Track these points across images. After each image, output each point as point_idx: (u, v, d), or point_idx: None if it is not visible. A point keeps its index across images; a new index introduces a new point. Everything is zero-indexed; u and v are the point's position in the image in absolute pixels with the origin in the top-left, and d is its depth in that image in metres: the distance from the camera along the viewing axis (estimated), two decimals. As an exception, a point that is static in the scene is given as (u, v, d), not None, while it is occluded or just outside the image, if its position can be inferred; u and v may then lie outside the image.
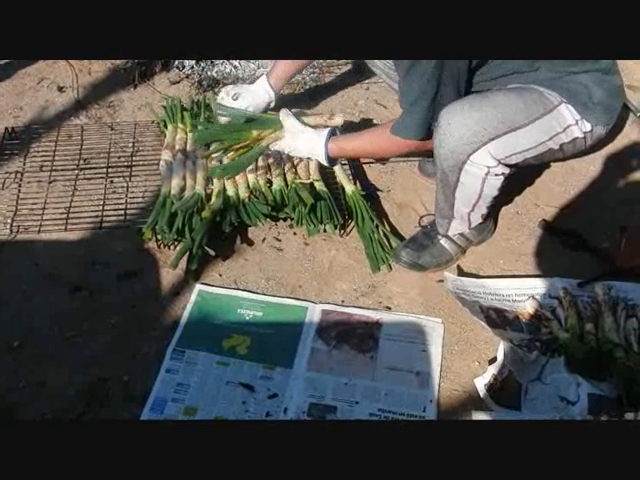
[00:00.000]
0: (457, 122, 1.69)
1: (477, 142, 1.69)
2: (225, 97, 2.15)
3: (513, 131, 1.71)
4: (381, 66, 2.09)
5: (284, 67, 2.15)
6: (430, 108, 1.74)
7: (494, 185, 1.79)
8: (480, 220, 1.94)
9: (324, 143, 1.93)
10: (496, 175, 1.76)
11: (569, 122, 1.76)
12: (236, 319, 1.84)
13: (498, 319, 1.81)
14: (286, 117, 1.98)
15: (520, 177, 2.24)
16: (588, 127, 1.78)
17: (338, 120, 2.08)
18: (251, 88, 2.16)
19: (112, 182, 2.23)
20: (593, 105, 1.76)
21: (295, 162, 2.19)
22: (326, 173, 2.20)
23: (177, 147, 2.24)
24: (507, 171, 1.78)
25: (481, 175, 1.75)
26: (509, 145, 1.72)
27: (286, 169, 2.17)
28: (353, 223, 2.09)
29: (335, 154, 1.96)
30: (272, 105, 2.18)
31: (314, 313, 1.85)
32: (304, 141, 1.96)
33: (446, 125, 1.70)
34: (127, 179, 2.24)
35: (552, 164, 2.23)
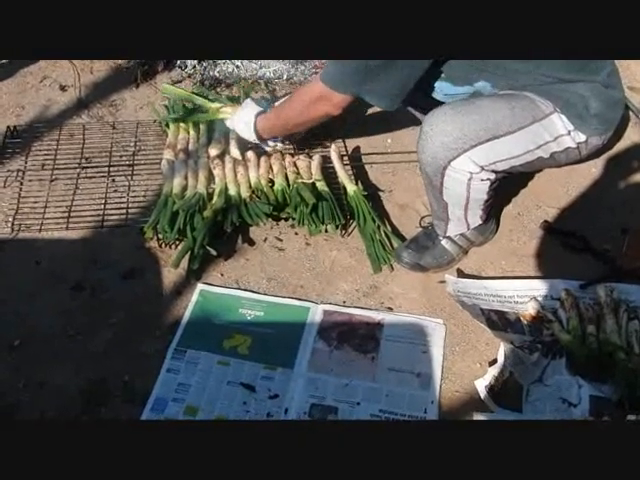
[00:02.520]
0: (438, 128, 1.67)
1: (458, 148, 1.67)
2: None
3: (496, 138, 1.68)
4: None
5: None
6: (364, 73, 1.69)
7: (481, 189, 1.78)
8: (479, 221, 1.93)
9: (255, 113, 2.10)
10: (481, 180, 1.74)
11: (561, 132, 1.73)
12: (237, 319, 1.84)
13: (499, 321, 1.81)
14: (246, 100, 2.17)
15: (522, 179, 2.25)
16: (582, 138, 1.75)
17: None
18: None
19: (114, 181, 2.23)
20: (589, 116, 1.72)
21: (296, 161, 2.20)
22: (328, 173, 2.20)
23: (179, 146, 2.24)
24: (493, 176, 1.75)
25: (464, 180, 1.73)
26: (492, 152, 1.69)
27: (288, 169, 2.16)
28: (354, 223, 2.09)
29: (262, 124, 2.09)
30: None
31: (315, 313, 1.85)
32: (241, 115, 2.14)
33: (428, 130, 1.69)
34: (129, 178, 2.23)
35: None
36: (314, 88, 1.84)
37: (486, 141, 1.67)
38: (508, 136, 1.69)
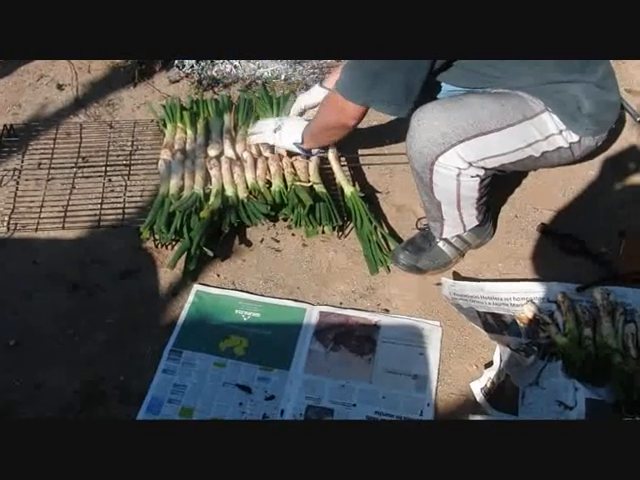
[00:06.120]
0: (426, 123, 1.68)
1: (445, 143, 1.67)
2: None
3: (484, 134, 1.68)
4: None
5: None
6: (370, 79, 1.67)
7: (471, 186, 1.77)
8: (475, 222, 1.92)
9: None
10: (471, 177, 1.74)
11: (552, 131, 1.73)
12: (234, 320, 1.84)
13: (496, 324, 1.81)
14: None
15: (518, 181, 2.25)
16: (575, 138, 1.75)
17: None
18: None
19: (110, 181, 2.22)
20: (582, 116, 1.72)
21: (293, 162, 2.19)
22: (325, 174, 2.20)
23: (176, 146, 2.24)
24: (482, 173, 1.75)
25: (452, 176, 1.73)
26: (480, 148, 1.69)
27: (285, 170, 2.16)
28: (352, 225, 2.08)
29: (304, 133, 2.06)
30: None
31: (312, 315, 1.85)
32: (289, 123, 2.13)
33: (416, 125, 1.69)
34: (125, 178, 2.23)
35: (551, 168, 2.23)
36: (333, 97, 1.82)
37: (474, 137, 1.67)
38: (496, 133, 1.69)
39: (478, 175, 1.74)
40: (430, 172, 1.73)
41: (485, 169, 1.75)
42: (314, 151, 2.15)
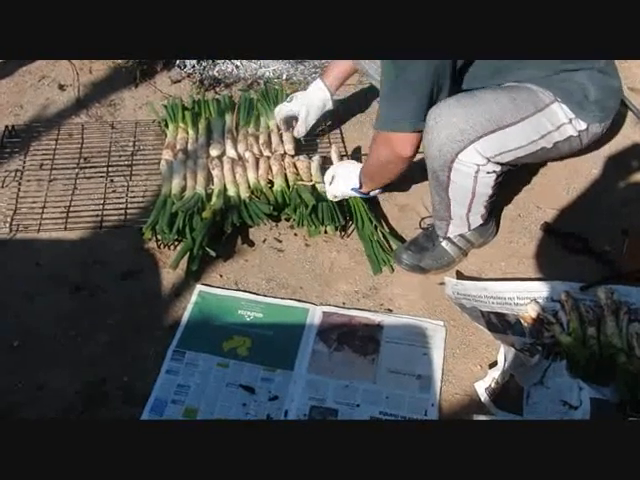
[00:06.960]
0: (444, 120, 1.67)
1: (465, 140, 1.67)
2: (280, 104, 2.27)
3: (502, 129, 1.68)
4: (372, 72, 2.07)
5: (339, 67, 2.17)
6: (405, 101, 1.67)
7: (487, 183, 1.78)
8: (480, 221, 1.92)
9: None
10: (488, 173, 1.74)
11: (562, 121, 1.74)
12: (236, 320, 1.83)
13: (499, 323, 1.81)
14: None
15: (522, 179, 2.24)
16: (583, 126, 1.76)
17: None
18: (306, 91, 2.23)
19: (112, 181, 2.22)
20: (589, 103, 1.74)
21: (295, 162, 2.19)
22: (327, 174, 2.19)
23: (178, 147, 2.24)
24: (498, 169, 1.75)
25: (471, 173, 1.73)
26: (498, 143, 1.70)
27: (287, 170, 2.16)
28: (354, 225, 2.08)
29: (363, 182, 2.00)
30: (329, 105, 2.21)
31: (315, 315, 1.85)
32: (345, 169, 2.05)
33: (433, 124, 1.69)
34: (127, 178, 2.23)
35: (553, 166, 2.22)
36: (375, 135, 1.81)
37: (491, 132, 1.68)
38: (512, 127, 1.70)
39: (494, 171, 1.75)
40: (449, 170, 1.73)
41: (501, 164, 1.75)
42: (373, 192, 2.05)
